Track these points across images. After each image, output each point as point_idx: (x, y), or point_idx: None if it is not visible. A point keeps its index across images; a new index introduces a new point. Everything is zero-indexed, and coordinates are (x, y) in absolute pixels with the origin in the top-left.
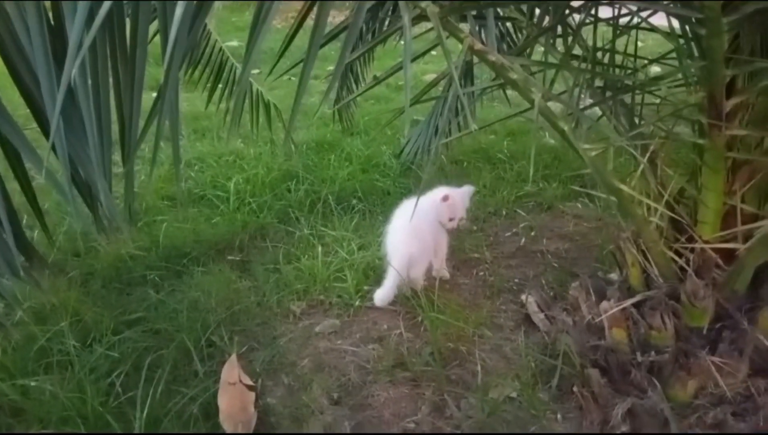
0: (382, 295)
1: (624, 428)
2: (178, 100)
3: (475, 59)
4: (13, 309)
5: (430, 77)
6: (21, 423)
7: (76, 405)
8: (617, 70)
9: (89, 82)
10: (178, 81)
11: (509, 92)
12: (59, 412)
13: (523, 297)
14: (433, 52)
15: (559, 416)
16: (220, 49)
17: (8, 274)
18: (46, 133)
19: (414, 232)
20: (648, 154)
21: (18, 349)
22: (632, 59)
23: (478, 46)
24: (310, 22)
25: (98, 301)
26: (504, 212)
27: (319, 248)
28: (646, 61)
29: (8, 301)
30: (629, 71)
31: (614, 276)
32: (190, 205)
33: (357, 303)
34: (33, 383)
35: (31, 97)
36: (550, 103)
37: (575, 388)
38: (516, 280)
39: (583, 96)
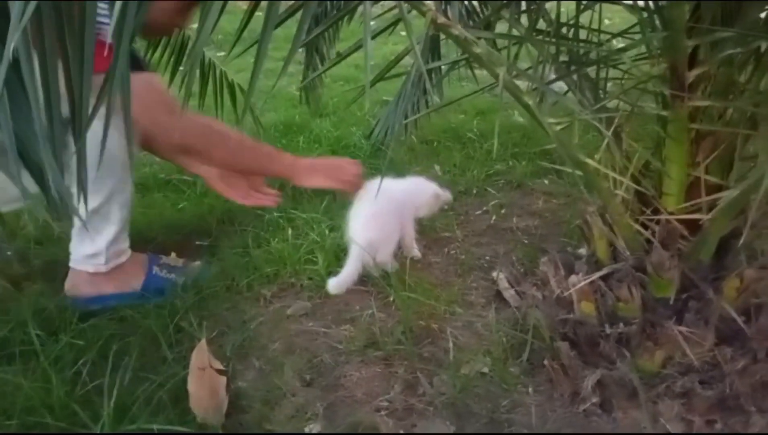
0: (336, 282)
1: (594, 399)
2: (129, 75)
3: (442, 37)
4: None
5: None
6: None
7: (40, 395)
8: (581, 45)
9: (35, 56)
10: (128, 53)
11: (478, 72)
12: (23, 402)
13: (494, 274)
14: (402, 33)
15: (530, 390)
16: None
17: None
18: None
19: (376, 218)
20: (613, 128)
21: None
22: (597, 34)
23: (442, 19)
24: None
25: (62, 289)
26: (474, 191)
27: (289, 231)
28: (609, 36)
29: None
30: (593, 45)
31: (582, 251)
32: (155, 190)
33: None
34: None
35: None
36: (517, 81)
37: (545, 362)
38: (487, 258)
39: (547, 71)
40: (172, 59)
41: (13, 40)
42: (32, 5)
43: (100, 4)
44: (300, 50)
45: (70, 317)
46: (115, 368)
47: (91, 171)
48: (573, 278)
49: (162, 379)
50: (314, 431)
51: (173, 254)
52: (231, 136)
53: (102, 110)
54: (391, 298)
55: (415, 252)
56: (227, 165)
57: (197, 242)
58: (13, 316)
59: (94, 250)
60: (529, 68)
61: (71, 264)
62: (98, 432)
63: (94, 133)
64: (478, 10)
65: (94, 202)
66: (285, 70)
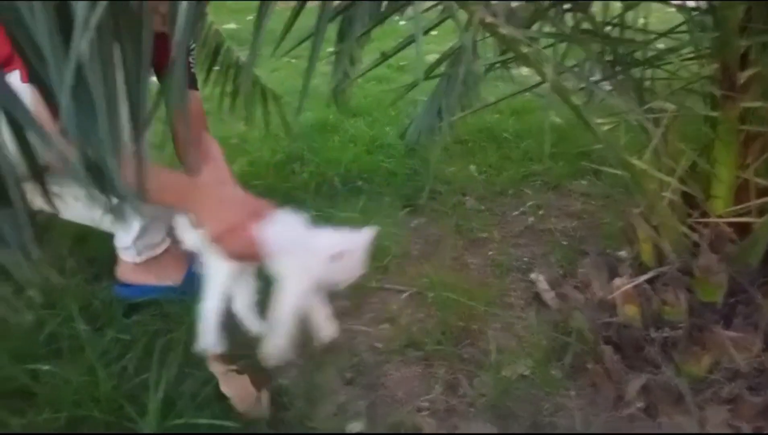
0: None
1: (639, 404)
2: (185, 75)
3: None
4: (23, 292)
5: (432, 57)
6: (33, 407)
7: (88, 389)
8: (628, 45)
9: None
10: (184, 66)
11: (513, 71)
12: (71, 396)
13: (533, 275)
14: (434, 33)
15: (572, 393)
16: (216, 31)
17: (20, 255)
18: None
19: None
20: (660, 129)
21: (27, 333)
22: (641, 33)
23: (489, 19)
24: (311, 4)
25: (108, 285)
26: (511, 191)
27: None
28: (655, 36)
29: (20, 284)
30: (640, 45)
31: (624, 253)
32: None
33: (367, 284)
34: (44, 368)
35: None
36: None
37: (588, 365)
38: (525, 259)
39: (592, 72)
40: (207, 60)
41: (81, 40)
42: (101, 5)
43: None
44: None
45: (115, 313)
46: (159, 363)
47: None
48: (618, 281)
49: (207, 375)
50: (356, 430)
51: None
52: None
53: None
54: (430, 299)
55: (329, 331)
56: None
57: None
58: (60, 310)
59: (127, 242)
60: (575, 66)
61: (118, 253)
62: (141, 431)
63: None
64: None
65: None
66: (338, 74)
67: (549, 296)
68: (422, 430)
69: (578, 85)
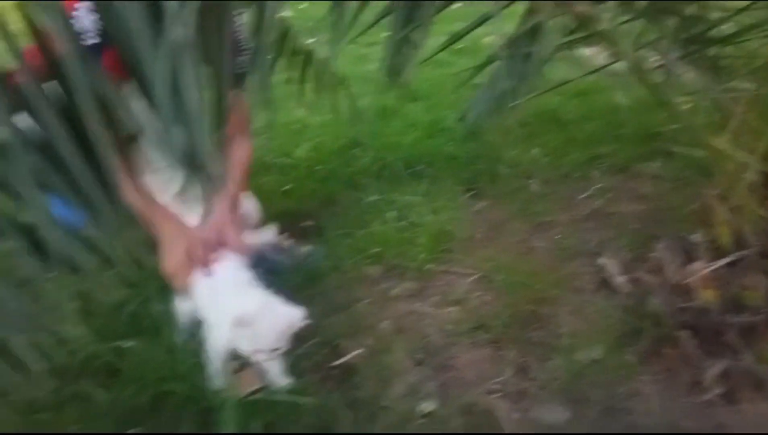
0: None
1: (717, 390)
2: (269, 71)
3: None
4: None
5: (489, 40)
6: (118, 383)
7: (169, 366)
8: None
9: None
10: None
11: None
12: (154, 373)
13: (602, 260)
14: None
15: (647, 378)
16: (281, 18)
17: (115, 234)
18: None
19: None
20: (740, 108)
21: (110, 312)
22: (721, 10)
23: None
24: None
25: None
26: (576, 174)
27: (391, 213)
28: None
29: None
30: (718, 22)
31: (698, 236)
32: (262, 174)
33: (432, 267)
34: (127, 345)
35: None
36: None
37: (664, 350)
38: (593, 243)
39: (669, 50)
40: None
41: (173, 38)
42: (194, 5)
43: None
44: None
45: None
46: None
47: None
48: (696, 265)
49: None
50: (428, 410)
51: (282, 235)
52: None
53: None
54: (496, 282)
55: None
56: None
57: (302, 224)
58: (140, 291)
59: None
60: (652, 41)
61: None
62: (220, 405)
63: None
64: None
65: (176, 186)
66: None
67: (619, 281)
68: (495, 411)
69: (654, 64)
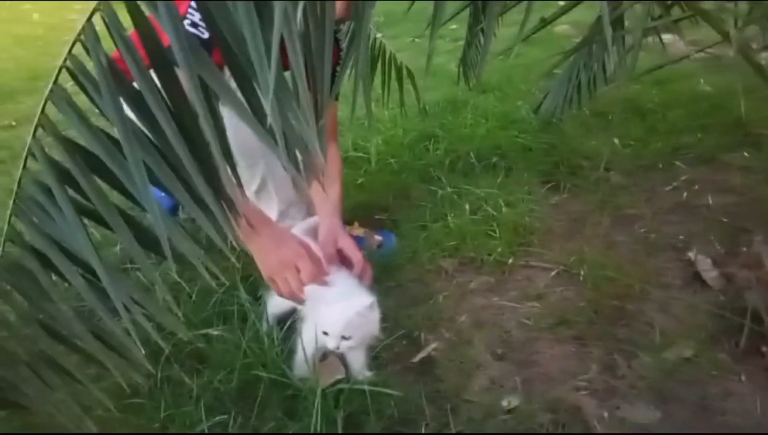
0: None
1: None
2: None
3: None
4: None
5: (561, 28)
6: (207, 369)
7: (256, 353)
8: None
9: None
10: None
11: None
12: (241, 360)
13: (691, 254)
14: (560, 2)
15: (743, 378)
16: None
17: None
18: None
19: None
20: None
21: (197, 301)
22: None
23: None
24: None
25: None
26: (660, 165)
27: (466, 206)
28: None
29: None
30: None
31: None
32: None
33: (510, 260)
34: (215, 332)
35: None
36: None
37: (763, 348)
38: (680, 237)
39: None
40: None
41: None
42: (300, 5)
43: None
44: (455, 27)
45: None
46: None
47: (241, 160)
48: None
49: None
50: (512, 405)
51: (356, 224)
52: None
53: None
54: (579, 277)
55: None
56: None
57: (377, 216)
58: (226, 280)
59: None
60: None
61: None
62: (305, 392)
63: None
64: None
65: (253, 185)
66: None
67: (711, 276)
68: (583, 408)
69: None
